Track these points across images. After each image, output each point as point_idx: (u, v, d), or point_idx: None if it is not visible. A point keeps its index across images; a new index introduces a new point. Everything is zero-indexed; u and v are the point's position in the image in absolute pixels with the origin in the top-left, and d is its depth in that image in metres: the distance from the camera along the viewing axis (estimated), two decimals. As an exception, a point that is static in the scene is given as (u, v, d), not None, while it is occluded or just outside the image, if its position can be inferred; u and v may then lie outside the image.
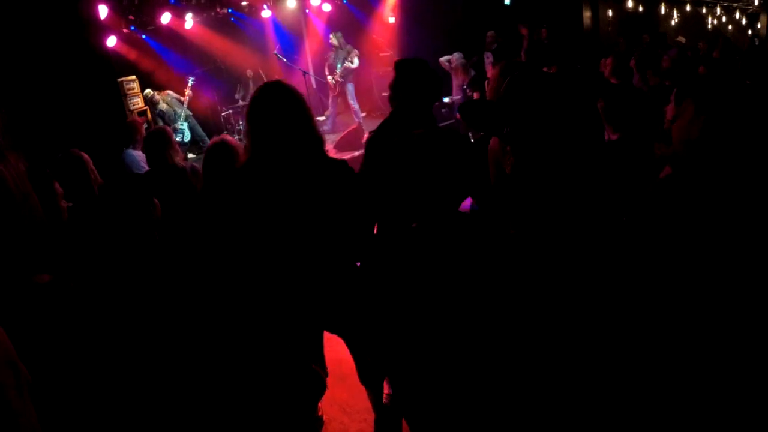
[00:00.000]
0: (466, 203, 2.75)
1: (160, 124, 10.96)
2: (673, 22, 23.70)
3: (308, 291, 3.24)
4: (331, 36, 12.45)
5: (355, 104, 12.33)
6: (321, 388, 3.43)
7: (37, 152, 5.01)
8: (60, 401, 1.84)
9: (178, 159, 4.72)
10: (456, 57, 10.52)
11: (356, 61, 12.32)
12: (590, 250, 2.46)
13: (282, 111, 3.05)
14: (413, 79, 3.63)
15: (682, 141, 2.28)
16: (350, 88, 12.34)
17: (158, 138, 4.68)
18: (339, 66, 12.24)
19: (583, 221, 2.52)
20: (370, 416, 3.94)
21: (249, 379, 2.75)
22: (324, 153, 3.17)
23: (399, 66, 3.70)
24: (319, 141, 3.17)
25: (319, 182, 3.09)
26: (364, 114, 13.28)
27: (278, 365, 3.03)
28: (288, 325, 3.32)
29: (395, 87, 3.69)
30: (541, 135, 2.51)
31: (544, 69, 6.70)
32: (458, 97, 10.58)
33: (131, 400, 2.23)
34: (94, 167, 4.19)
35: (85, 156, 4.24)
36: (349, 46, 12.43)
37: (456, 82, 10.60)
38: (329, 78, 12.37)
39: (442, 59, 10.65)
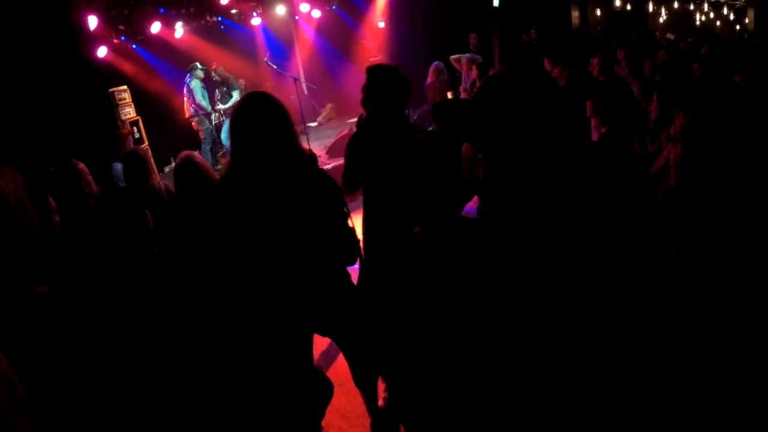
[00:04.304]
0: (471, 208, 2.74)
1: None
2: (661, 20, 23.82)
3: (298, 296, 3.24)
4: (218, 69, 12.08)
5: (227, 142, 11.73)
6: (329, 393, 3.43)
7: (28, 164, 5.02)
8: (58, 415, 1.83)
9: (153, 179, 4.77)
10: (466, 57, 10.53)
11: (236, 96, 11.97)
12: (565, 254, 2.46)
13: (264, 123, 3.06)
14: (386, 82, 3.78)
15: (682, 152, 2.31)
16: (228, 124, 11.78)
17: (134, 160, 4.73)
18: (223, 104, 12.04)
19: (559, 226, 2.52)
20: (368, 421, 3.94)
21: (257, 387, 2.76)
22: (304, 164, 3.19)
23: (371, 71, 3.85)
24: (300, 153, 3.19)
25: (300, 192, 3.10)
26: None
27: (288, 372, 3.04)
28: (288, 331, 3.33)
29: (368, 91, 3.83)
30: (513, 146, 2.48)
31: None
32: (465, 97, 10.57)
33: (134, 413, 2.23)
34: (90, 178, 4.20)
35: (82, 166, 4.24)
36: (232, 78, 12.23)
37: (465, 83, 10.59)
38: (212, 116, 11.90)
39: (453, 57, 10.67)
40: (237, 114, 3.12)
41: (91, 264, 2.66)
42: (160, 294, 2.46)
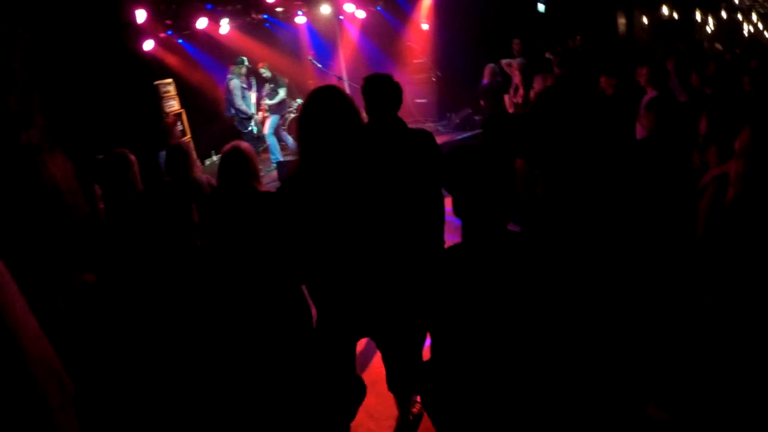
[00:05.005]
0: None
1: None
2: (708, 30, 23.36)
3: (370, 289, 3.22)
4: (262, 69, 12.02)
5: (271, 138, 11.85)
6: (362, 395, 3.43)
7: (75, 152, 5.08)
8: (103, 407, 1.84)
9: (197, 172, 4.85)
10: (517, 61, 10.51)
11: (282, 93, 12.02)
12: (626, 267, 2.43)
13: (340, 114, 3.06)
14: (378, 91, 3.95)
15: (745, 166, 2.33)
16: (273, 120, 11.92)
17: (177, 153, 4.80)
18: (269, 101, 12.04)
19: (620, 238, 2.48)
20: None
21: (294, 385, 2.76)
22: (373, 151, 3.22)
23: (365, 80, 4.04)
24: (372, 144, 3.21)
25: (380, 179, 3.12)
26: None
27: (323, 371, 3.04)
28: (337, 332, 3.31)
29: (365, 99, 4.02)
30: (573, 163, 2.43)
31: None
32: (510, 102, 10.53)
33: (177, 404, 2.24)
34: (138, 171, 4.26)
35: (134, 158, 4.31)
36: (278, 76, 12.24)
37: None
38: (254, 118, 11.84)
39: (504, 62, 10.64)
40: (311, 108, 3.11)
41: (134, 254, 2.69)
42: (202, 286, 2.48)
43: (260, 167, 7.60)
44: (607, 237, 2.41)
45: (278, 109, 11.97)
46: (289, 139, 12.09)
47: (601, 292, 2.31)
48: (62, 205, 1.71)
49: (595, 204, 2.43)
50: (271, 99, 12.00)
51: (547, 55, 10.67)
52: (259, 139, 12.06)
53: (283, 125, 12.22)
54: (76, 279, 1.83)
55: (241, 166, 3.73)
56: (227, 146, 3.89)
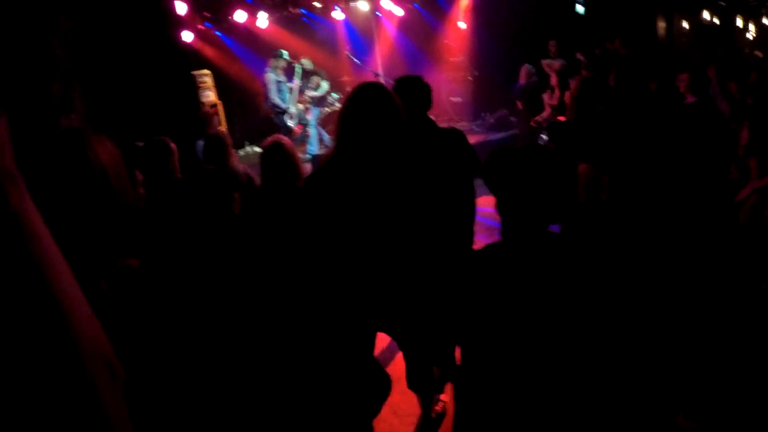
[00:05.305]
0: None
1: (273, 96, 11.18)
2: (749, 36, 22.94)
3: (399, 284, 3.21)
4: (303, 61, 11.88)
5: (313, 130, 11.80)
6: (387, 390, 3.45)
7: (116, 139, 5.14)
8: (148, 396, 1.84)
9: (233, 161, 4.92)
10: (559, 62, 10.46)
11: (324, 86, 12.03)
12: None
13: (380, 113, 3.04)
14: (409, 92, 3.96)
15: None
16: (315, 113, 11.92)
17: (216, 142, 4.86)
18: (314, 92, 12.04)
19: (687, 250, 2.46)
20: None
21: (319, 377, 2.77)
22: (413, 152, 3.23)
23: (397, 81, 4.10)
24: (408, 142, 3.20)
25: (416, 183, 3.14)
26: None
27: (350, 366, 3.06)
28: (364, 327, 3.33)
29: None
30: (645, 169, 2.41)
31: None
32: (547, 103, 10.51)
33: (208, 389, 2.26)
34: (177, 159, 4.33)
35: (174, 146, 4.37)
36: (319, 69, 12.26)
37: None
38: (288, 112, 11.62)
39: (545, 62, 10.60)
40: (356, 103, 3.10)
41: (173, 240, 2.73)
42: (241, 275, 2.50)
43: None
44: (657, 246, 2.39)
45: (320, 102, 12.01)
46: (326, 135, 12.14)
47: (640, 302, 2.29)
48: (109, 189, 1.74)
49: (661, 211, 2.41)
50: (315, 91, 12.02)
51: (578, 56, 10.61)
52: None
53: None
54: (119, 263, 1.87)
55: (282, 162, 3.78)
56: (268, 141, 3.93)
